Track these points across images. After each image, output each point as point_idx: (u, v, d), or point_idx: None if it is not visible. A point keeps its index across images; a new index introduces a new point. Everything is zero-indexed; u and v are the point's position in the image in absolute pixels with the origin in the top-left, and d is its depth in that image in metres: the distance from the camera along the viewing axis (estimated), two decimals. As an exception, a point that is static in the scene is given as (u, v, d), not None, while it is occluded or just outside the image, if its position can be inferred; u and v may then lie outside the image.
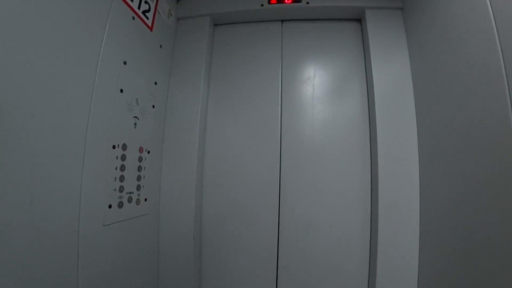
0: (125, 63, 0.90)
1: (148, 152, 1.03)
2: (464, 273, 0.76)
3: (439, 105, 0.90)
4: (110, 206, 0.84)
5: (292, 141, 1.12)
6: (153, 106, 1.06)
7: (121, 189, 0.89)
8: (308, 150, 1.11)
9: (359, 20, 1.19)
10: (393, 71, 1.05)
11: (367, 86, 1.10)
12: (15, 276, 0.58)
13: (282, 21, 1.23)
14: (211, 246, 1.15)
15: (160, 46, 1.12)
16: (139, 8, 0.97)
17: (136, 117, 0.96)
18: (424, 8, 0.98)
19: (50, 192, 0.65)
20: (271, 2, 1.16)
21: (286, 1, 1.15)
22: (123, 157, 0.90)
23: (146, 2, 1.00)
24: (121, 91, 0.88)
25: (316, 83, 1.13)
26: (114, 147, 0.86)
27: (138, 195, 0.98)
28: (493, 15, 0.69)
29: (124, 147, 0.90)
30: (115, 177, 0.86)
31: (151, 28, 1.04)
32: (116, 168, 0.87)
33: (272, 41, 1.20)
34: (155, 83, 1.08)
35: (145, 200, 1.02)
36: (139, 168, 0.98)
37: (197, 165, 1.11)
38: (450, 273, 0.82)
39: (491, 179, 0.69)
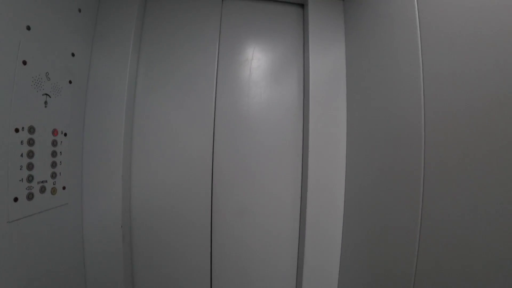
0: (28, 28, 0.75)
1: (65, 134, 0.90)
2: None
3: (366, 100, 0.97)
4: (16, 199, 0.72)
5: (227, 125, 1.10)
6: (70, 82, 0.92)
7: (30, 178, 0.77)
8: (243, 134, 1.10)
9: (301, 5, 1.17)
10: (329, 61, 1.07)
11: (303, 72, 1.11)
12: None
13: (222, -2, 1.15)
14: (142, 234, 1.09)
15: (79, 11, 0.95)
16: (45, -39, 0.80)
17: (46, 94, 0.82)
18: (362, 2, 1.00)
19: None
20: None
21: (226, -24, 1.07)
22: (30, 142, 0.77)
23: (55, -45, 0.83)
24: (24, 62, 0.74)
25: (254, 65, 1.09)
26: (17, 130, 0.72)
27: (54, 184, 0.86)
28: (418, 17, 0.73)
29: (32, 130, 0.77)
30: (21, 166, 0.74)
31: (65, -13, 0.88)
32: (21, 155, 0.74)
33: (210, 19, 1.11)
34: (72, 55, 0.93)
35: (63, 188, 0.90)
36: (54, 154, 0.86)
37: (124, 147, 1.01)
38: (367, 250, 0.92)
39: (405, 172, 0.77)
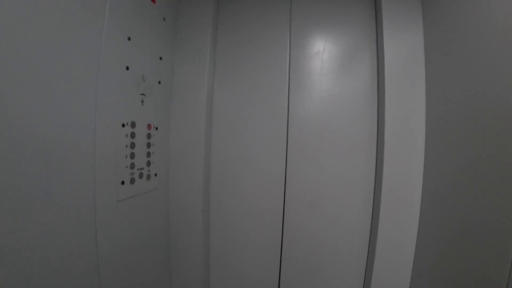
0: (129, 39, 0.88)
1: (156, 128, 1.04)
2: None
3: (449, 85, 0.88)
4: (122, 183, 0.87)
5: (299, 118, 1.12)
6: (159, 82, 1.05)
7: (132, 165, 0.91)
8: (315, 126, 1.10)
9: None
10: (405, 48, 1.00)
11: (377, 61, 1.07)
12: (38, 252, 0.62)
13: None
14: (218, 219, 1.20)
15: (164, 19, 1.08)
16: (140, -21, 0.93)
17: (143, 94, 0.96)
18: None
19: (65, 170, 0.67)
20: (279, -29, 1.09)
21: (294, -31, 1.08)
22: (133, 135, 0.91)
23: (147, -28, 0.96)
24: (127, 68, 0.87)
25: (325, 58, 1.09)
26: (123, 125, 0.87)
27: (149, 171, 1.01)
28: None
29: (133, 124, 0.91)
30: (126, 155, 0.88)
31: (153, 0, 1.01)
32: (126, 146, 0.88)
33: (280, 14, 1.15)
34: (160, 58, 1.06)
35: (155, 175, 1.05)
36: (148, 145, 1.00)
37: (205, 139, 1.12)
38: (447, 250, 0.86)
39: (498, 166, 0.69)
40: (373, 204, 1.07)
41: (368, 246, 1.09)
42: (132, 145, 0.91)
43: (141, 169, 0.96)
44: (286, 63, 1.12)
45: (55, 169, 0.65)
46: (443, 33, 0.92)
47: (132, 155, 0.91)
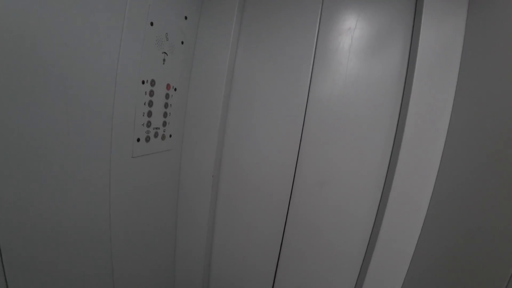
0: (156, -7, 0.85)
1: (175, 89, 1.04)
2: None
3: (485, 92, 0.80)
4: (138, 140, 0.88)
5: (321, 94, 1.08)
6: (182, 43, 1.03)
7: (149, 124, 0.92)
8: (335, 104, 1.07)
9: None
10: (443, 36, 0.91)
11: (410, 47, 0.99)
12: (54, 199, 0.65)
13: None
14: (227, 186, 1.22)
15: (192, -24, 1.04)
16: None
17: (165, 52, 0.94)
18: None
19: (84, 122, 0.68)
20: None
21: None
22: (151, 93, 0.91)
23: None
24: (151, 24, 0.85)
25: (356, 35, 1.03)
26: (143, 82, 0.86)
27: (164, 131, 1.01)
28: None
29: (153, 83, 0.90)
30: (144, 112, 0.89)
31: (184, -46, 0.96)
32: (144, 104, 0.89)
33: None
34: (185, 18, 1.03)
35: (170, 136, 1.06)
36: (166, 105, 1.00)
37: (222, 106, 1.11)
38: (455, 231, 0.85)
39: None
40: (382, 190, 1.06)
41: (369, 239, 1.09)
42: (150, 103, 0.91)
43: (157, 128, 0.97)
44: (313, 38, 1.07)
45: (75, 117, 0.66)
46: (485, 32, 0.83)
47: (149, 114, 0.91)
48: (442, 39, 0.92)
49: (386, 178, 1.05)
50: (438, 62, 0.92)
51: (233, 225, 1.24)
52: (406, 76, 1.00)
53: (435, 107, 0.93)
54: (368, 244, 1.09)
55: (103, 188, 0.78)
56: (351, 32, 1.04)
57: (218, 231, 1.27)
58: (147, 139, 0.93)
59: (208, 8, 1.11)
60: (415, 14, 0.99)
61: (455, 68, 0.92)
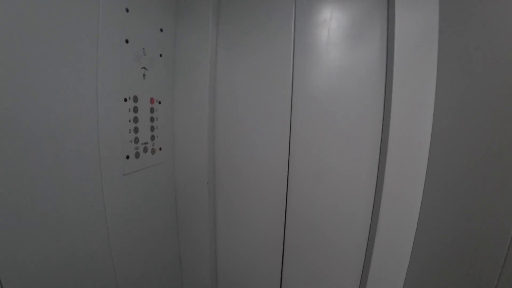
0: (127, 10, 0.86)
1: (159, 102, 1.04)
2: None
3: (465, 74, 0.80)
4: (128, 157, 0.89)
5: (305, 88, 1.08)
6: (161, 55, 1.03)
7: (137, 140, 0.93)
8: (320, 97, 1.07)
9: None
10: (419, 21, 0.91)
11: (387, 35, 1.00)
12: (47, 220, 0.66)
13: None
14: (223, 191, 1.23)
15: (164, -13, 1.04)
16: None
17: (144, 67, 0.95)
18: None
19: (70, 145, 0.69)
20: None
21: None
22: (135, 109, 0.91)
23: None
24: (127, 41, 0.86)
25: (333, 26, 1.04)
26: (125, 100, 0.87)
27: (153, 145, 1.02)
28: None
29: (136, 99, 0.91)
30: (130, 129, 0.89)
31: (152, -33, 0.96)
32: (130, 121, 0.89)
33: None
34: (161, 30, 1.03)
35: (160, 149, 1.06)
36: (152, 119, 1.00)
37: (209, 112, 1.12)
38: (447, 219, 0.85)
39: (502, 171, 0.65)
40: (376, 181, 1.06)
41: (369, 231, 1.09)
42: (136, 120, 0.92)
43: (145, 143, 0.98)
44: (291, 31, 1.07)
45: (61, 143, 0.66)
46: (459, 13, 0.83)
47: (136, 130, 0.92)
48: (418, 22, 0.92)
49: (378, 168, 1.05)
50: (417, 46, 0.92)
51: (235, 227, 1.25)
52: (386, 63, 1.01)
53: (418, 91, 0.93)
54: (369, 236, 1.09)
55: (98, 209, 0.79)
56: (327, 24, 1.04)
57: (221, 236, 1.28)
58: (137, 155, 0.93)
59: (183, 17, 1.11)
60: (388, 3, 0.99)
61: (434, 51, 0.92)
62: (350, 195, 1.10)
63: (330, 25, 1.05)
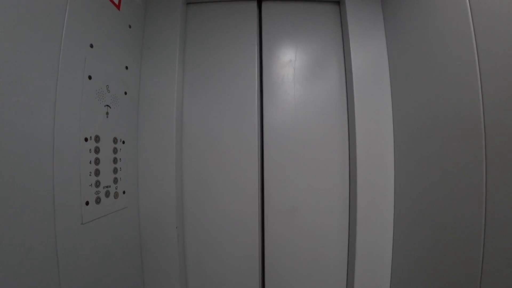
0: (91, 46, 0.82)
1: (123, 142, 0.97)
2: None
3: (413, 94, 0.93)
4: (87, 203, 0.79)
5: (274, 124, 1.10)
6: (125, 93, 0.98)
7: (98, 183, 0.83)
8: (291, 131, 1.10)
9: (337, 2, 1.16)
10: (370, 54, 1.06)
11: (345, 69, 1.10)
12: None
13: (260, 0, 1.17)
14: (194, 234, 1.14)
15: (129, 27, 1.02)
16: (103, -17, 0.87)
17: (107, 105, 0.89)
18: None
19: (18, 191, 0.59)
20: (247, -21, 1.09)
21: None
22: (97, 150, 0.83)
23: (110, -23, 0.90)
24: (90, 77, 0.80)
25: (298, 66, 1.10)
26: (86, 139, 0.79)
27: (116, 188, 0.93)
28: (470, 5, 0.70)
29: (97, 138, 0.83)
30: (90, 172, 0.80)
31: (118, 6, 0.95)
32: (90, 162, 0.80)
33: (249, 22, 1.14)
34: (126, 68, 1.00)
35: (123, 193, 0.97)
36: (115, 160, 0.92)
37: (176, 152, 1.06)
38: (423, 252, 0.88)
39: (464, 168, 0.72)
40: (349, 207, 1.08)
41: (348, 253, 1.09)
42: (97, 161, 0.83)
43: (107, 186, 0.88)
44: (254, 70, 1.11)
45: (5, 187, 0.56)
46: (402, 38, 0.99)
47: (97, 172, 0.83)
48: (369, 53, 1.06)
49: (350, 192, 1.09)
50: (371, 74, 1.05)
51: (208, 274, 1.14)
52: (347, 93, 1.09)
53: (378, 114, 1.04)
54: (348, 255, 1.10)
55: (50, 265, 0.66)
56: (293, 64, 1.10)
57: (192, 285, 1.15)
58: (98, 201, 0.83)
59: (149, 55, 1.10)
60: (343, 43, 1.10)
61: (386, 76, 1.06)
62: (325, 225, 1.10)
63: (296, 64, 1.11)
